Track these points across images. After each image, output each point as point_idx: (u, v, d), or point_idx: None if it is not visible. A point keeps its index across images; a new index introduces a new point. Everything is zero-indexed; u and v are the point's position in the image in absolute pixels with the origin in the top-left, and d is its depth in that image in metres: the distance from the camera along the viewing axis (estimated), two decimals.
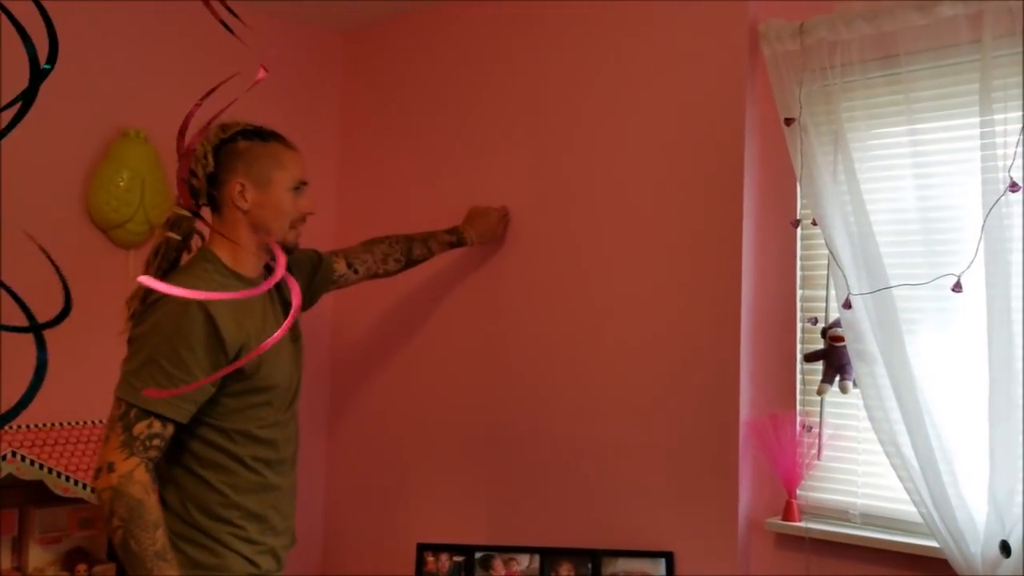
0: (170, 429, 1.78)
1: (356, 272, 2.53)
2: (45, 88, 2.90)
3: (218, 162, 1.94)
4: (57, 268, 0.76)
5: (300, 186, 2.03)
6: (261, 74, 0.75)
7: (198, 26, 3.01)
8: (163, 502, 1.83)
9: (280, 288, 2.13)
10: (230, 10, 0.81)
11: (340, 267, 2.47)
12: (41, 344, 0.70)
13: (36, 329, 0.69)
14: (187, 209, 1.95)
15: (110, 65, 2.86)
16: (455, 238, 2.81)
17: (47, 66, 0.74)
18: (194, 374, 1.78)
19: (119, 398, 1.76)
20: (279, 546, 2.01)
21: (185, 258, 2.00)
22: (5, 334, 2.39)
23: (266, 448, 1.95)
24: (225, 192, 1.95)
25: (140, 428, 1.74)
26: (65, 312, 0.74)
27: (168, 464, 1.88)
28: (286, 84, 3.39)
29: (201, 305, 1.78)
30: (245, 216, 1.96)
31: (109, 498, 1.70)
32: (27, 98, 0.74)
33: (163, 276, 1.91)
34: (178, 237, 1.94)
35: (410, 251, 2.69)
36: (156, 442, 1.76)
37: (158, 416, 1.75)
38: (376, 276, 2.64)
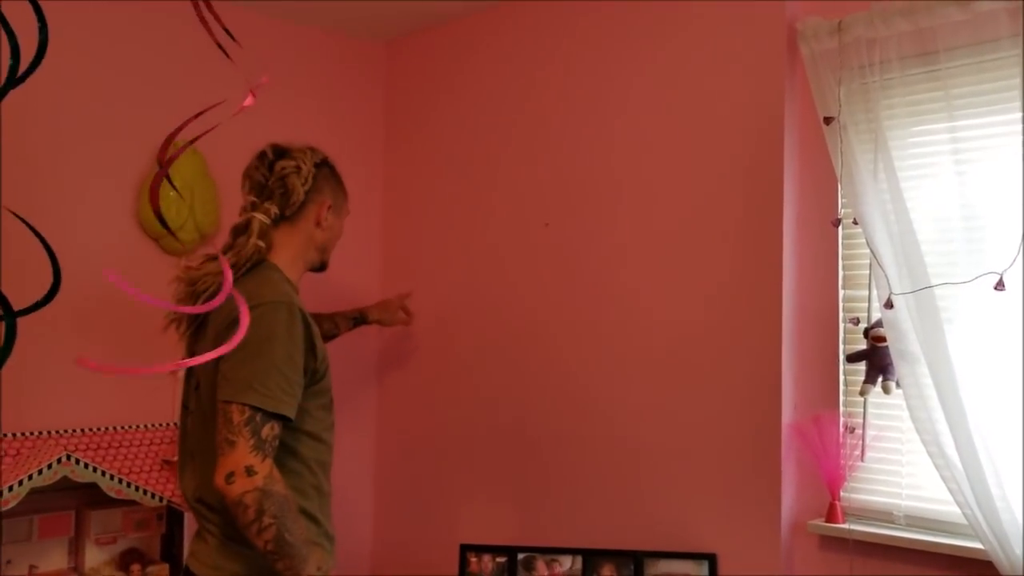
0: (281, 427, 1.85)
1: None
2: (97, 98, 3.03)
3: (314, 182, 2.08)
4: (48, 247, 0.79)
5: (347, 215, 2.25)
6: (249, 100, 0.78)
7: (246, 40, 3.08)
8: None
9: None
10: (228, 32, 0.84)
11: None
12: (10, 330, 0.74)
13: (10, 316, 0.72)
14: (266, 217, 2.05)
15: (160, 76, 2.93)
16: (359, 315, 2.97)
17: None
18: (302, 375, 1.88)
19: (243, 404, 1.79)
20: (332, 550, 2.02)
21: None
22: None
23: (325, 451, 2.01)
24: (311, 209, 2.09)
25: (267, 431, 1.80)
26: (53, 293, 0.77)
27: None
28: (329, 94, 3.44)
29: (301, 310, 1.90)
30: (319, 233, 2.12)
31: (256, 500, 1.74)
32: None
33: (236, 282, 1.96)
34: (265, 246, 2.02)
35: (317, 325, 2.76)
36: (277, 442, 1.83)
37: (280, 417, 1.82)
38: None
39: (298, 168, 2.05)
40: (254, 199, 2.06)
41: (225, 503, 1.78)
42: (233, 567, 1.89)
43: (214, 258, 2.04)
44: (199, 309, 1.96)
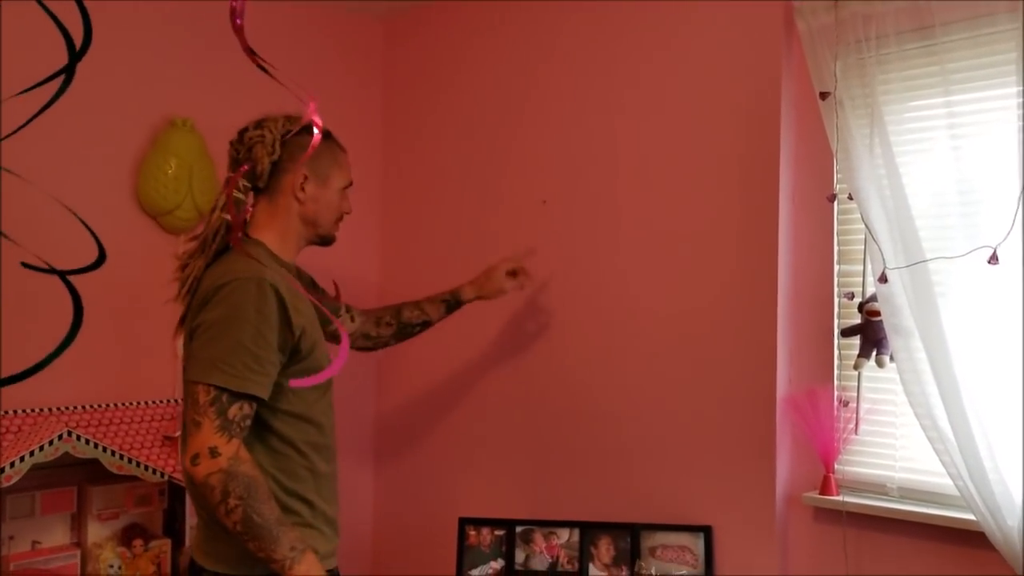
0: (254, 408, 1.81)
1: (352, 320, 2.53)
2: (94, 78, 3.00)
3: (283, 151, 1.98)
4: (84, 222, 0.80)
5: (348, 187, 2.13)
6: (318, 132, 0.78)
7: (246, 17, 3.07)
8: None
9: (302, 277, 2.19)
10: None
11: (341, 310, 2.49)
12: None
13: (62, 274, 0.74)
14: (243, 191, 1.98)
15: (158, 54, 2.92)
16: (450, 297, 2.69)
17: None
18: (276, 353, 1.82)
19: (208, 384, 1.76)
20: (330, 532, 1.98)
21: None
22: (6, 324, 2.47)
23: (316, 431, 1.95)
24: (286, 181, 1.99)
25: (234, 411, 1.76)
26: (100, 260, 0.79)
27: None
28: (327, 71, 3.43)
29: (273, 286, 1.82)
30: (299, 207, 2.02)
31: (221, 481, 1.72)
32: (67, 74, 0.77)
33: (216, 259, 1.94)
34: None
35: (399, 313, 2.63)
36: (247, 422, 1.79)
37: (249, 397, 1.78)
38: (369, 340, 2.60)
39: (262, 137, 1.97)
40: (229, 173, 2.01)
41: (193, 484, 1.77)
42: (220, 548, 1.86)
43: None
44: None
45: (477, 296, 2.70)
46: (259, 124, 2.00)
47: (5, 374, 2.50)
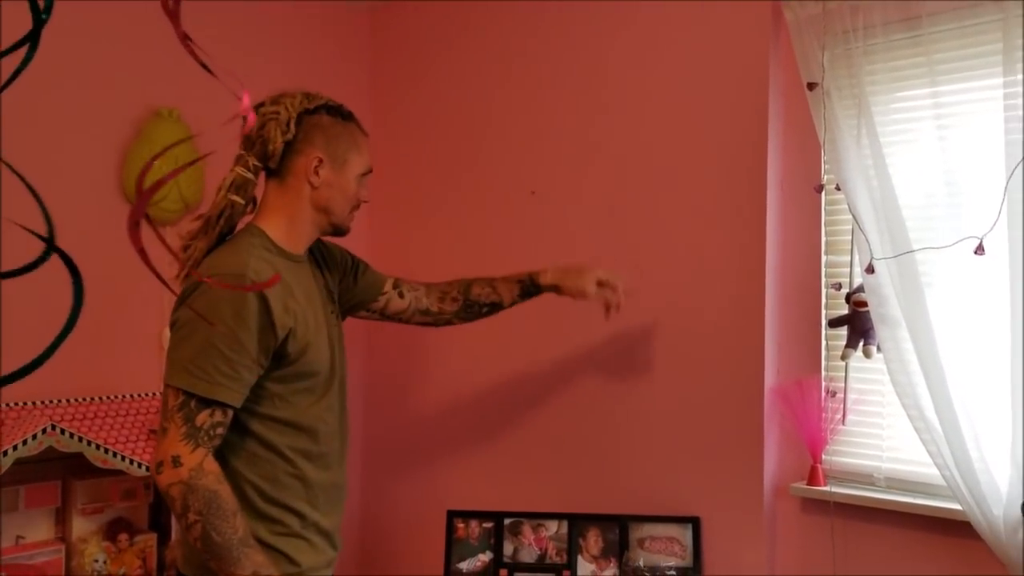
0: (230, 415, 1.69)
1: (402, 297, 2.30)
2: (79, 68, 2.97)
3: (298, 131, 1.84)
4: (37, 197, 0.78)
5: (367, 174, 1.98)
6: (251, 119, 0.77)
7: (228, 6, 3.05)
8: None
9: (323, 271, 2.05)
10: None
11: (386, 286, 2.28)
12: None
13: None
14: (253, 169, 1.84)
15: (142, 44, 2.89)
16: (527, 278, 2.38)
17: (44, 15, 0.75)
18: (253, 357, 1.69)
19: (176, 387, 1.65)
20: (323, 544, 1.88)
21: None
22: (7, 318, 2.45)
23: (306, 439, 1.83)
24: (298, 163, 1.84)
25: (203, 418, 1.64)
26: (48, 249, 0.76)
27: None
28: (313, 60, 3.41)
29: (255, 280, 1.70)
30: (312, 192, 1.86)
31: (181, 493, 1.61)
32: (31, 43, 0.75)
33: (220, 241, 1.82)
34: (243, 201, 1.82)
35: (468, 289, 2.36)
36: (220, 431, 1.67)
37: (220, 404, 1.66)
38: (429, 316, 2.35)
39: (277, 114, 1.82)
40: (240, 152, 1.85)
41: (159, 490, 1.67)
42: (194, 553, 1.74)
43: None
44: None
45: (555, 285, 2.37)
46: (275, 100, 1.85)
47: (5, 370, 2.49)
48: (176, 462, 1.62)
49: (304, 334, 1.79)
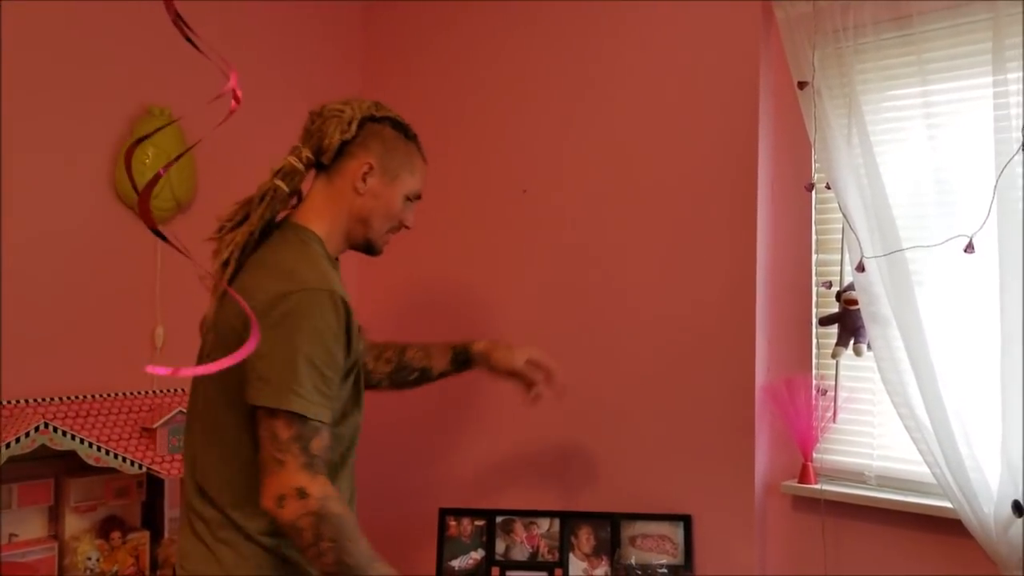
0: (331, 435, 1.66)
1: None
2: (71, 67, 2.97)
3: (358, 134, 1.80)
4: None
5: (415, 199, 1.92)
6: (234, 106, 0.77)
7: (221, 5, 3.05)
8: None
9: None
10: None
11: None
12: None
13: None
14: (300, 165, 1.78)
15: (134, 43, 2.89)
16: (460, 346, 2.26)
17: None
18: (341, 375, 1.68)
19: (288, 413, 1.57)
20: None
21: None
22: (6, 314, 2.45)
23: (348, 449, 1.86)
24: (349, 165, 1.80)
25: (316, 444, 1.60)
26: None
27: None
28: (306, 57, 3.41)
29: (344, 301, 1.66)
30: (355, 198, 1.81)
31: (312, 524, 1.56)
32: None
33: (265, 227, 1.75)
34: (287, 189, 1.76)
35: (403, 352, 2.26)
36: (328, 454, 1.65)
37: (327, 425, 1.63)
38: (369, 378, 2.20)
39: (340, 112, 1.79)
40: (297, 143, 1.81)
41: (277, 523, 1.61)
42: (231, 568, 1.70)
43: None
44: None
45: (484, 353, 2.23)
46: (344, 101, 1.83)
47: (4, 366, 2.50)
48: (302, 494, 1.57)
49: (358, 354, 1.77)
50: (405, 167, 1.87)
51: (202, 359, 1.83)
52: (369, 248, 1.89)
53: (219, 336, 1.70)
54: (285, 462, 1.57)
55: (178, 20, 0.76)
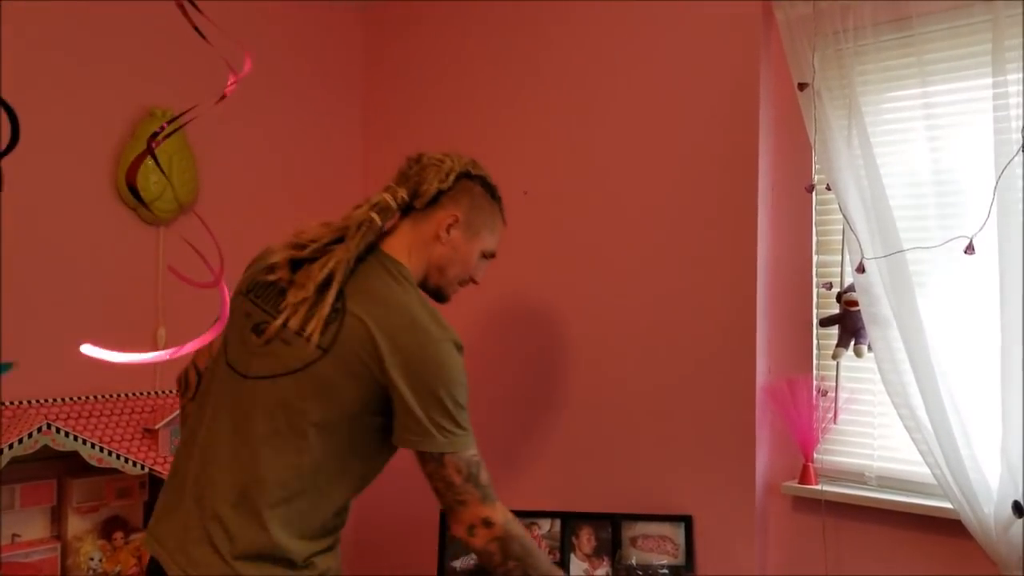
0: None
1: None
2: (74, 69, 2.96)
3: (453, 187, 1.88)
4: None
5: (490, 257, 2.01)
6: (231, 86, 0.78)
7: (222, 7, 3.05)
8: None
9: None
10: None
11: None
12: None
13: None
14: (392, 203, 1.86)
15: (136, 46, 2.90)
16: None
17: None
18: None
19: (457, 457, 1.72)
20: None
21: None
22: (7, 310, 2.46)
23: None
24: (438, 215, 1.87)
25: (484, 477, 1.75)
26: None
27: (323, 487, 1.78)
28: (306, 59, 3.42)
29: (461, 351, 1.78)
30: (436, 246, 1.88)
31: (499, 548, 1.75)
32: None
33: (358, 260, 1.80)
34: (380, 223, 1.83)
35: None
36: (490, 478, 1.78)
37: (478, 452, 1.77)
38: None
39: (441, 162, 1.88)
40: (391, 183, 1.90)
41: (469, 548, 1.79)
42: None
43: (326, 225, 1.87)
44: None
45: None
46: (444, 153, 1.92)
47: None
48: (488, 523, 1.74)
49: None
50: (487, 226, 1.95)
51: (267, 362, 1.77)
52: (438, 294, 1.95)
53: (337, 359, 1.71)
54: (467, 501, 1.73)
55: (184, 4, 0.77)
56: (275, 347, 1.76)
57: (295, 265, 1.81)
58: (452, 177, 1.88)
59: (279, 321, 1.74)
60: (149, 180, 2.81)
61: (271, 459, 1.72)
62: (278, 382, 1.73)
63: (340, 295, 1.74)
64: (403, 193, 1.87)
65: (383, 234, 1.87)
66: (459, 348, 1.75)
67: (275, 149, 3.31)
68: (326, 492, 1.78)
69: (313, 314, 1.72)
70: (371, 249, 1.84)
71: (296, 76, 3.38)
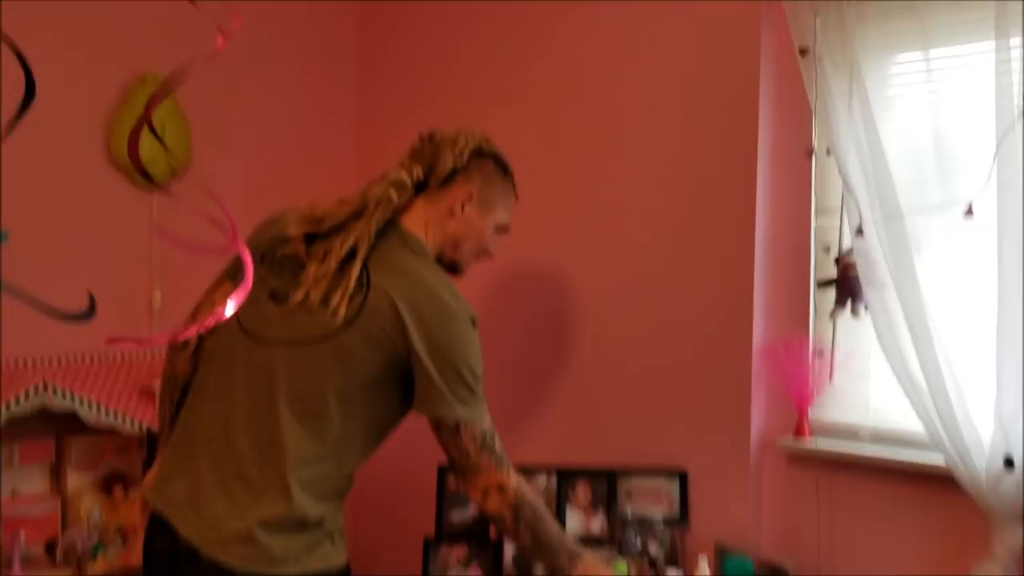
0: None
1: None
2: (64, 33, 2.90)
3: (467, 164, 1.93)
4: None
5: (503, 231, 2.06)
6: (220, 44, 0.78)
7: (216, 4, 2.98)
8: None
9: None
10: None
11: None
12: None
13: None
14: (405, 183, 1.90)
15: (127, 10, 2.84)
16: None
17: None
18: None
19: (474, 426, 1.80)
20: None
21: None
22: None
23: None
24: (452, 191, 1.92)
25: (498, 445, 1.84)
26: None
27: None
28: (301, 55, 3.37)
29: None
30: (450, 222, 1.93)
31: (511, 513, 1.83)
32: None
33: (376, 235, 1.82)
34: (396, 200, 1.86)
35: None
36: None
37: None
38: None
39: (455, 140, 1.92)
40: (406, 160, 1.95)
41: (481, 511, 1.91)
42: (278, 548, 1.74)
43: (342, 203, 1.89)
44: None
45: None
46: (457, 131, 1.96)
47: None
48: (501, 488, 1.83)
49: None
50: (500, 202, 2.01)
51: (290, 331, 1.80)
52: (453, 267, 2.00)
53: (362, 330, 1.75)
54: (481, 468, 1.81)
55: None
56: (296, 316, 1.78)
57: (309, 239, 1.84)
58: (466, 154, 1.93)
59: (301, 292, 1.77)
60: (142, 146, 2.77)
61: (291, 425, 1.75)
62: (299, 351, 1.77)
63: (364, 269, 1.77)
64: (419, 171, 1.92)
65: (399, 210, 1.90)
66: (474, 323, 1.83)
67: (272, 145, 3.28)
68: (343, 457, 1.84)
69: (338, 287, 1.75)
70: (388, 225, 1.87)
71: (291, 70, 3.33)
